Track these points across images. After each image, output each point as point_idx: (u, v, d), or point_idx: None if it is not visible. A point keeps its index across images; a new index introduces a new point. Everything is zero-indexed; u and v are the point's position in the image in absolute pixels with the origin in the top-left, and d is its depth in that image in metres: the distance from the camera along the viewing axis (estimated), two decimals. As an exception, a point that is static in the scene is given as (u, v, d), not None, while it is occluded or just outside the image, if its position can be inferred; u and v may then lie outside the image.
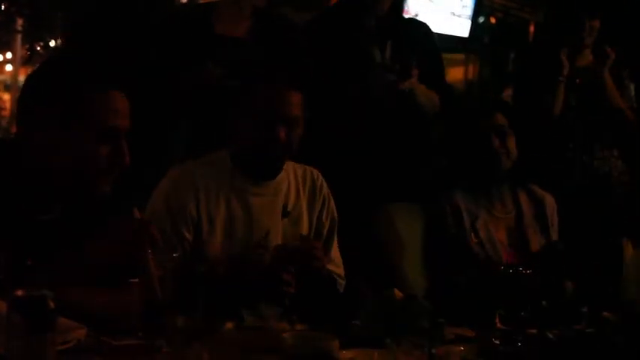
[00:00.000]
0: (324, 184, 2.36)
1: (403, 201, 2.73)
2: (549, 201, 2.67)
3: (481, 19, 6.48)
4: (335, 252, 2.36)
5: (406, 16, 3.98)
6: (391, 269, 2.57)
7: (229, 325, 1.28)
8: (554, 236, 2.64)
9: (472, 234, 2.52)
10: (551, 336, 1.73)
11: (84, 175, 1.73)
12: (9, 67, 10.66)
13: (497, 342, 1.78)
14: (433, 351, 1.32)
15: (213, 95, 2.59)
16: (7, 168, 1.73)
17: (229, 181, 2.20)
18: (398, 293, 1.94)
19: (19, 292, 1.35)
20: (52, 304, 1.35)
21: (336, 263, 2.34)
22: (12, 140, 1.87)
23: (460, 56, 7.02)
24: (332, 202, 2.37)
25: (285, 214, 2.25)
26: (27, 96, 1.76)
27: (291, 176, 2.30)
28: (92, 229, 1.75)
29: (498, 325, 1.80)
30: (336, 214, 2.37)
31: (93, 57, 2.01)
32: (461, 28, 6.08)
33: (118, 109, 1.74)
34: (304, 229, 2.28)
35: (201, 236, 2.16)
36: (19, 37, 6.99)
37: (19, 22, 5.50)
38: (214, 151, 2.28)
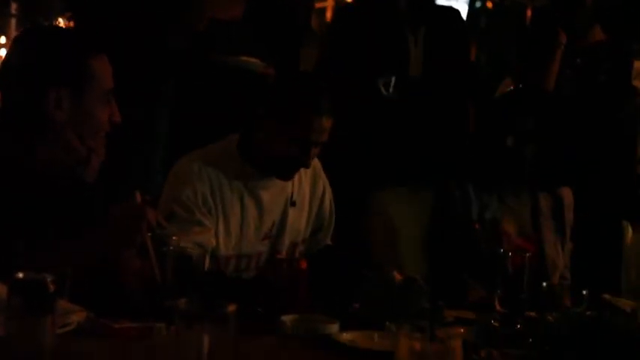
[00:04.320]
0: (322, 173, 2.40)
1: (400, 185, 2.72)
2: (567, 197, 2.60)
3: (478, 4, 6.47)
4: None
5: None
6: (385, 255, 2.56)
7: (232, 307, 1.28)
8: (568, 232, 2.58)
9: (478, 223, 2.49)
10: (550, 319, 1.73)
11: (93, 143, 1.74)
12: (3, 52, 10.62)
13: (497, 324, 1.78)
14: (434, 333, 1.31)
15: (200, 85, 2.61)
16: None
17: (240, 176, 2.21)
18: (397, 275, 1.94)
19: (20, 275, 1.34)
20: (52, 287, 1.34)
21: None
22: None
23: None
24: (329, 190, 2.41)
25: (292, 203, 2.29)
26: (24, 69, 1.74)
27: None
28: (91, 213, 1.75)
29: (498, 307, 1.81)
30: (333, 203, 2.42)
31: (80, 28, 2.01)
32: (458, 12, 6.08)
33: (110, 70, 1.76)
34: (305, 216, 2.33)
35: (216, 236, 2.17)
36: (13, 21, 6.95)
37: (13, 6, 5.46)
38: (215, 142, 2.28)
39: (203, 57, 2.72)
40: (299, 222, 2.31)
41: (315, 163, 2.34)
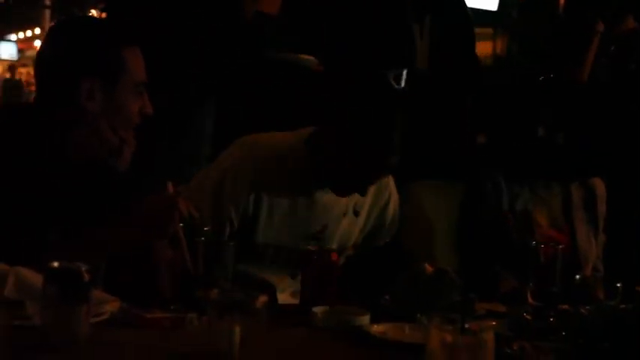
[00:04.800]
0: (391, 180, 2.35)
1: (432, 178, 2.70)
2: (600, 188, 2.57)
3: (510, -8, 6.40)
4: None
5: None
6: (416, 247, 2.55)
7: (263, 298, 1.28)
8: (601, 224, 2.56)
9: (510, 214, 2.48)
10: (584, 312, 1.71)
11: (124, 134, 1.75)
12: (38, 43, 10.68)
13: (529, 317, 1.76)
14: (466, 325, 1.31)
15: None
16: (35, 136, 1.73)
17: (300, 173, 2.15)
18: (428, 268, 1.93)
19: (55, 264, 1.36)
20: (86, 277, 1.36)
21: None
22: (29, 106, 1.86)
23: (488, 30, 6.94)
24: (396, 196, 2.37)
25: (356, 214, 2.25)
26: (58, 60, 1.76)
27: None
28: (122, 204, 1.76)
29: (530, 300, 1.79)
30: (397, 207, 2.38)
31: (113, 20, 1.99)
32: (489, 1, 6.01)
33: (142, 62, 1.78)
34: (361, 224, 2.29)
35: (257, 221, 2.13)
36: (47, 12, 7.01)
37: (48, -3, 5.51)
38: (285, 132, 2.23)
39: (256, 53, 2.69)
40: (352, 229, 2.26)
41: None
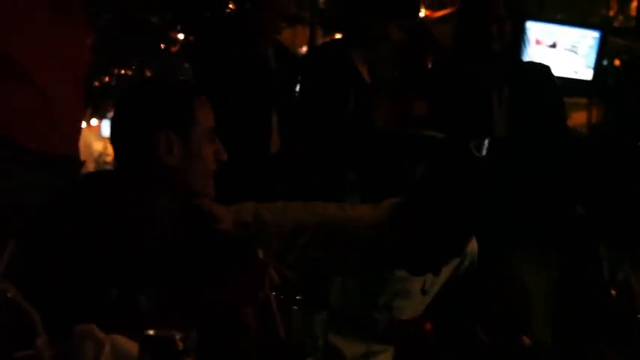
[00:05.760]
0: (474, 243, 2.28)
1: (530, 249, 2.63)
2: None
3: (605, 62, 6.31)
4: None
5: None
6: (515, 318, 2.48)
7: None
8: None
9: (612, 285, 2.38)
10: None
11: (206, 182, 1.77)
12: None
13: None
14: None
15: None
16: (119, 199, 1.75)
17: (375, 250, 2.08)
18: (526, 340, 1.86)
19: (149, 332, 1.37)
20: (180, 344, 1.36)
21: None
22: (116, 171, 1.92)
23: (583, 100, 6.84)
24: (475, 244, 2.28)
25: (423, 292, 2.21)
26: (132, 120, 1.80)
27: None
28: (214, 268, 1.77)
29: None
30: (476, 256, 2.31)
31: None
32: (584, 71, 5.94)
33: (210, 110, 1.81)
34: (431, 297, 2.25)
35: (329, 287, 2.13)
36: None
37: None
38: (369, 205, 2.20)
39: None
40: (422, 302, 2.24)
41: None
